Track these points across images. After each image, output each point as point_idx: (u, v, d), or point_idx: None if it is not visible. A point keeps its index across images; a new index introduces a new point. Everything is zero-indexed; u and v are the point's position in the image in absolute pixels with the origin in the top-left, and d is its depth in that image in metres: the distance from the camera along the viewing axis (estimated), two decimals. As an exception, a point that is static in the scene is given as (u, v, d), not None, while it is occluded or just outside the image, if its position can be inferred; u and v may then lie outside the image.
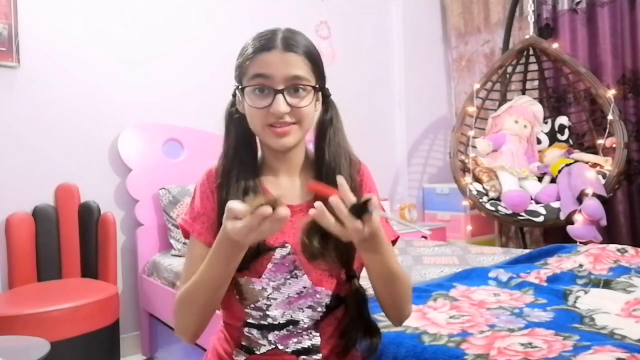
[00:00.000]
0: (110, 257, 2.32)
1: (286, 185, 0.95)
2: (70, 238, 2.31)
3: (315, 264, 0.90)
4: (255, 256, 0.87)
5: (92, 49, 2.47)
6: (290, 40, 0.87)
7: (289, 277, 0.89)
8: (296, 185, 0.96)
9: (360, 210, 0.72)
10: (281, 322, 0.89)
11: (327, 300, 0.91)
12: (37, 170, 2.30)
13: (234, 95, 0.94)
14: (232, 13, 2.91)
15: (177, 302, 0.88)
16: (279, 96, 0.84)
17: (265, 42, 0.86)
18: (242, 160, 0.92)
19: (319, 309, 0.91)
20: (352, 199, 0.73)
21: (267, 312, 0.89)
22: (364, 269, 0.93)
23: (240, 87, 0.90)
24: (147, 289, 2.44)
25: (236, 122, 0.93)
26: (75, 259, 2.31)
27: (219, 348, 0.95)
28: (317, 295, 0.90)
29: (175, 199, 2.45)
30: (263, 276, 0.88)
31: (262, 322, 0.90)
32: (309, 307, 0.90)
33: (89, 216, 2.35)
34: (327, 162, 0.93)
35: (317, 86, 0.90)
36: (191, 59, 2.78)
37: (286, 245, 0.89)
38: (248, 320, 0.91)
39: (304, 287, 0.90)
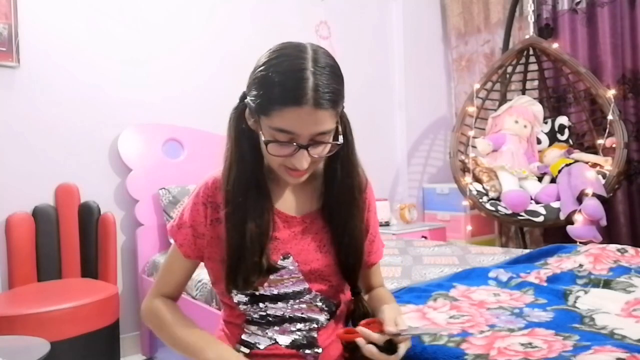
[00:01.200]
0: (110, 257, 2.31)
1: (291, 195, 0.94)
2: (70, 238, 2.31)
3: (318, 276, 0.92)
4: (264, 275, 0.87)
5: (92, 49, 2.47)
6: (320, 91, 0.76)
7: (290, 285, 0.90)
8: (300, 195, 0.94)
9: (390, 346, 0.81)
10: (281, 318, 0.91)
11: (326, 303, 0.93)
12: (37, 170, 2.30)
13: (241, 100, 0.87)
14: (233, 13, 2.91)
15: (147, 312, 0.96)
16: (303, 152, 0.80)
17: (295, 95, 0.76)
18: (256, 177, 0.88)
19: (320, 310, 0.92)
20: (379, 338, 0.80)
21: (268, 312, 0.90)
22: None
23: (263, 139, 0.81)
24: (147, 289, 2.42)
25: (247, 136, 0.86)
26: (75, 259, 2.31)
27: None
28: (318, 300, 0.92)
29: (175, 199, 2.45)
30: (265, 286, 0.89)
31: (262, 320, 0.91)
32: (309, 308, 0.92)
33: (89, 216, 2.35)
34: (339, 181, 0.90)
35: (339, 129, 0.85)
36: (191, 59, 2.78)
37: (288, 256, 0.90)
38: (248, 318, 0.92)
39: (304, 291, 0.91)
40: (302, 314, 0.91)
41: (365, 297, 1.05)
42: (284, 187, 0.93)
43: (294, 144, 0.79)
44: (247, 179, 0.87)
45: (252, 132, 0.85)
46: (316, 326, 0.92)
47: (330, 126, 0.80)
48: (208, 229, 0.91)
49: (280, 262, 0.89)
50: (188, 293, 1.99)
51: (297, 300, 0.91)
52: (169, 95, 2.71)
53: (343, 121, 0.89)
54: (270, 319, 0.91)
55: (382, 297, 1.02)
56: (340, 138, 0.85)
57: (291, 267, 0.90)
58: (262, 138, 0.81)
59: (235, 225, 0.86)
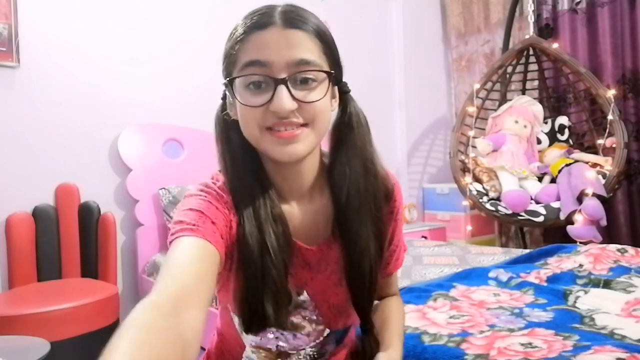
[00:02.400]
0: (110, 257, 2.31)
1: (299, 217, 0.74)
2: (70, 238, 2.31)
3: (338, 312, 0.78)
4: (293, 308, 0.72)
5: (92, 49, 2.47)
6: (292, 14, 0.65)
7: (301, 320, 0.77)
8: (312, 215, 0.75)
9: None
10: (287, 351, 0.78)
11: (338, 336, 0.82)
12: (37, 170, 2.30)
13: (224, 97, 0.73)
14: (233, 13, 2.88)
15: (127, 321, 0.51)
16: (281, 88, 0.63)
17: (259, 19, 0.65)
18: (257, 177, 0.71)
19: (327, 344, 0.81)
20: None
21: (274, 344, 0.78)
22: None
23: (228, 80, 0.67)
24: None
25: (235, 127, 0.70)
26: (75, 258, 2.31)
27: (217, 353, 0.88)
28: (325, 335, 0.80)
29: (175, 199, 2.45)
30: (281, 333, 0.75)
31: (266, 352, 0.78)
32: (317, 343, 0.80)
33: (89, 216, 2.35)
34: (346, 180, 0.71)
35: (332, 72, 0.67)
36: (191, 59, 2.78)
37: (303, 294, 0.75)
38: (249, 349, 0.79)
39: (315, 329, 0.78)
40: (309, 351, 0.79)
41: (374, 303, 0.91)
42: (290, 205, 0.75)
43: (270, 80, 0.63)
44: (248, 176, 0.71)
45: (236, 123, 0.70)
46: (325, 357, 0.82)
47: (311, 56, 0.64)
48: (230, 233, 0.69)
49: (294, 300, 0.72)
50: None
51: (305, 340, 0.78)
52: (169, 95, 2.70)
53: (347, 99, 0.75)
54: (275, 351, 0.78)
55: (386, 320, 0.83)
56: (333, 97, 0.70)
57: (307, 307, 0.75)
58: (238, 100, 0.66)
59: (251, 235, 0.67)
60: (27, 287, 2.13)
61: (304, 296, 0.75)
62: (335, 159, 0.73)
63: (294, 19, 0.64)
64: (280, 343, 0.76)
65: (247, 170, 0.71)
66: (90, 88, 2.46)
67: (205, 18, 2.83)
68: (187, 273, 0.55)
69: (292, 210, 0.74)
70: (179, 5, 2.75)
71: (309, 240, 0.74)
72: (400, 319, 0.87)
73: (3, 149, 2.22)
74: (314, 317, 0.76)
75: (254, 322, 0.68)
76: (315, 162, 0.74)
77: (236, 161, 0.71)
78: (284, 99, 0.62)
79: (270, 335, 0.75)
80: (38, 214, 2.26)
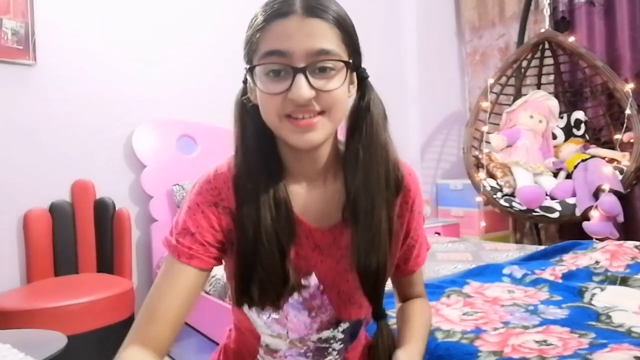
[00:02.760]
0: (125, 252, 2.34)
1: (313, 199, 0.76)
2: (86, 233, 2.35)
3: (348, 300, 0.77)
4: (288, 292, 0.72)
5: (106, 48, 2.49)
6: (313, 2, 0.66)
7: (313, 307, 0.77)
8: (325, 198, 0.76)
9: None
10: (300, 346, 0.79)
11: (350, 329, 0.80)
12: (54, 167, 2.33)
13: (245, 81, 0.74)
14: (244, 10, 2.89)
15: None
16: (300, 77, 0.64)
17: (279, 7, 0.66)
18: (266, 160, 0.73)
19: (341, 337, 0.80)
20: None
21: (287, 338, 0.79)
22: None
23: (249, 67, 0.69)
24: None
25: (252, 113, 0.73)
26: (91, 254, 2.35)
27: (234, 349, 0.88)
28: (340, 326, 0.79)
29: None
30: (286, 307, 0.76)
31: (279, 347, 0.79)
32: (332, 337, 0.79)
33: (104, 212, 2.38)
34: (360, 164, 0.71)
35: (350, 62, 0.68)
36: (204, 55, 2.79)
37: (311, 276, 0.76)
38: (263, 344, 0.81)
39: (327, 318, 0.78)
40: (324, 346, 0.79)
41: (398, 305, 0.91)
42: (304, 187, 0.76)
43: (289, 69, 0.65)
44: (255, 156, 0.73)
45: (256, 108, 0.72)
46: (340, 357, 0.82)
47: (332, 45, 0.66)
48: (223, 233, 0.74)
49: (304, 280, 0.74)
50: (202, 288, 2.01)
51: (319, 332, 0.78)
52: (182, 92, 2.72)
53: (365, 85, 0.75)
54: (289, 346, 0.79)
55: (409, 320, 0.83)
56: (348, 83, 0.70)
57: (314, 291, 0.76)
58: (259, 86, 0.68)
59: (248, 217, 0.71)
60: (45, 282, 2.17)
61: (313, 279, 0.75)
62: (350, 143, 0.74)
63: (314, 7, 0.65)
64: (276, 327, 0.77)
65: (255, 154, 0.73)
66: (105, 86, 2.48)
67: (218, 15, 2.84)
68: (167, 314, 0.69)
69: (305, 192, 0.75)
70: (191, 3, 2.77)
71: (320, 222, 0.75)
72: (423, 319, 0.84)
73: (20, 146, 2.26)
74: (320, 302, 0.76)
75: (240, 299, 0.72)
76: (330, 148, 0.75)
77: (246, 146, 0.73)
78: (303, 87, 0.64)
79: (265, 317, 0.76)
80: (55, 210, 2.29)
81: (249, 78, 0.71)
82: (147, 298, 0.72)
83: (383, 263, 0.73)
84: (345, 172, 0.74)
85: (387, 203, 0.74)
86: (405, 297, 0.90)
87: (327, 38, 0.66)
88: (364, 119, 0.73)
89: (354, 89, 0.73)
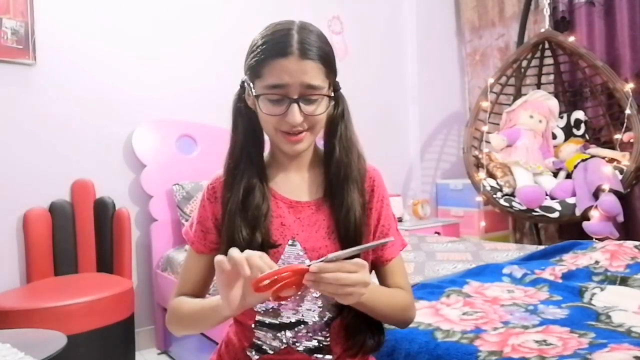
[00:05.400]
0: (125, 252, 2.34)
1: (296, 182, 0.95)
2: (86, 233, 2.35)
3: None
4: (260, 249, 0.82)
5: (106, 47, 2.49)
6: (306, 44, 0.84)
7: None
8: (305, 181, 0.96)
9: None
10: (292, 321, 0.89)
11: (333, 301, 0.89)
12: (53, 166, 2.34)
13: (242, 86, 0.92)
14: (245, 9, 2.91)
15: (169, 313, 0.94)
16: (294, 106, 0.83)
17: (281, 47, 0.83)
18: (250, 156, 0.92)
19: (329, 309, 0.90)
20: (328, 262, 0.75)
21: (279, 312, 0.90)
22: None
23: (254, 94, 0.87)
24: (161, 284, 2.47)
25: (244, 117, 0.92)
26: (91, 253, 2.35)
27: (234, 341, 0.96)
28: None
29: (188, 195, 2.47)
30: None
31: (274, 321, 0.90)
32: (320, 307, 0.90)
33: (104, 211, 2.38)
34: (337, 157, 0.92)
35: (331, 90, 0.89)
36: (204, 55, 2.79)
37: (295, 242, 0.89)
38: (258, 319, 0.91)
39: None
40: (313, 318, 0.89)
41: None
42: (288, 174, 0.95)
43: (286, 98, 0.83)
44: (240, 152, 0.92)
45: (249, 112, 0.91)
46: (328, 333, 0.90)
47: (319, 81, 0.84)
48: (214, 222, 0.93)
49: (287, 248, 0.89)
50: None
51: (309, 302, 0.89)
52: (182, 92, 2.72)
53: (338, 96, 0.93)
54: (282, 321, 0.90)
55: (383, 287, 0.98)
56: (330, 107, 0.89)
57: (300, 253, 0.89)
58: (260, 107, 0.86)
59: (230, 198, 0.89)
60: (44, 282, 2.17)
61: (297, 243, 0.90)
62: (329, 141, 0.94)
63: (307, 50, 0.83)
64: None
65: (241, 153, 0.92)
66: (105, 85, 2.48)
67: (218, 14, 2.84)
68: (190, 280, 0.96)
69: (289, 176, 0.96)
70: (191, 3, 2.76)
71: (301, 198, 0.94)
72: (397, 291, 0.95)
73: (20, 146, 2.26)
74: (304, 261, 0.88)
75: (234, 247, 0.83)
76: (312, 148, 0.96)
77: (235, 146, 0.93)
78: (296, 114, 0.84)
79: None
80: (54, 209, 2.29)
81: (247, 88, 0.89)
82: (182, 264, 1.01)
83: (358, 230, 0.89)
84: (326, 162, 0.94)
85: (356, 185, 0.92)
86: (388, 287, 0.99)
87: (315, 75, 0.84)
88: (340, 124, 0.93)
89: (331, 103, 0.91)
